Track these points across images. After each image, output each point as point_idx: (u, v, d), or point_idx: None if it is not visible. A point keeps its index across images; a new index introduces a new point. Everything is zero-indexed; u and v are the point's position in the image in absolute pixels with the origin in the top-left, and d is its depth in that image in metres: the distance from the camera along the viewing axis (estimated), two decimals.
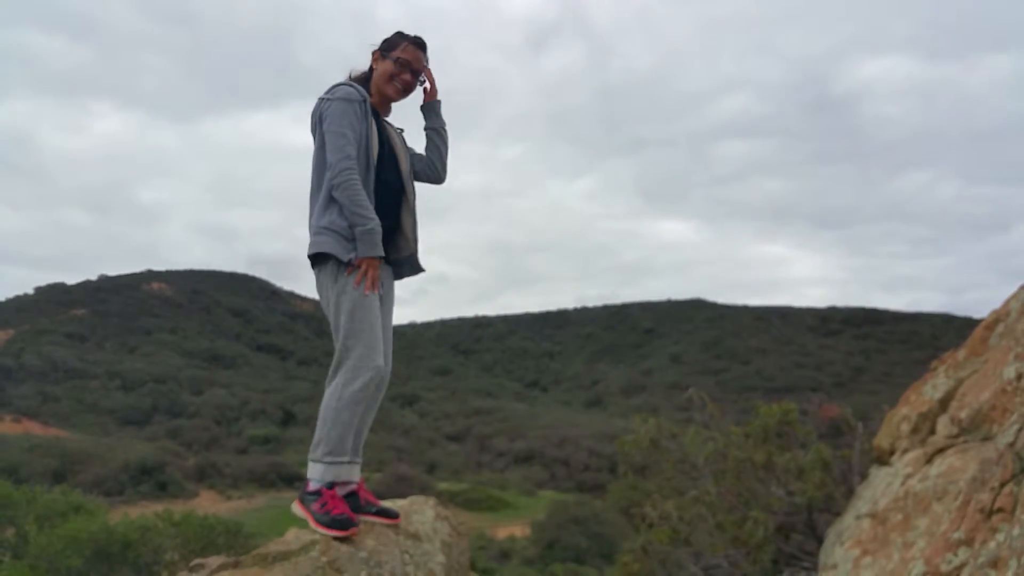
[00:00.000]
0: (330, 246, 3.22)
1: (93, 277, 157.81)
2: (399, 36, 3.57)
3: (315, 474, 3.25)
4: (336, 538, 3.14)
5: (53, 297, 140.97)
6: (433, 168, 3.72)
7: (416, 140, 3.79)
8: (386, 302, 3.47)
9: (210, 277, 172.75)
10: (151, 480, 60.25)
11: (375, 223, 3.23)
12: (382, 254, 3.31)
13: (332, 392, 3.21)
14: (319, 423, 3.23)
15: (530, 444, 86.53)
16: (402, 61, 3.51)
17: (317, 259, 3.31)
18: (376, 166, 3.38)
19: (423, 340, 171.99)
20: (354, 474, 3.39)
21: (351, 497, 3.36)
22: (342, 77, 3.54)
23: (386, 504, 3.70)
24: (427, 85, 3.67)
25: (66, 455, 58.90)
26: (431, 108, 3.73)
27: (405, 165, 3.55)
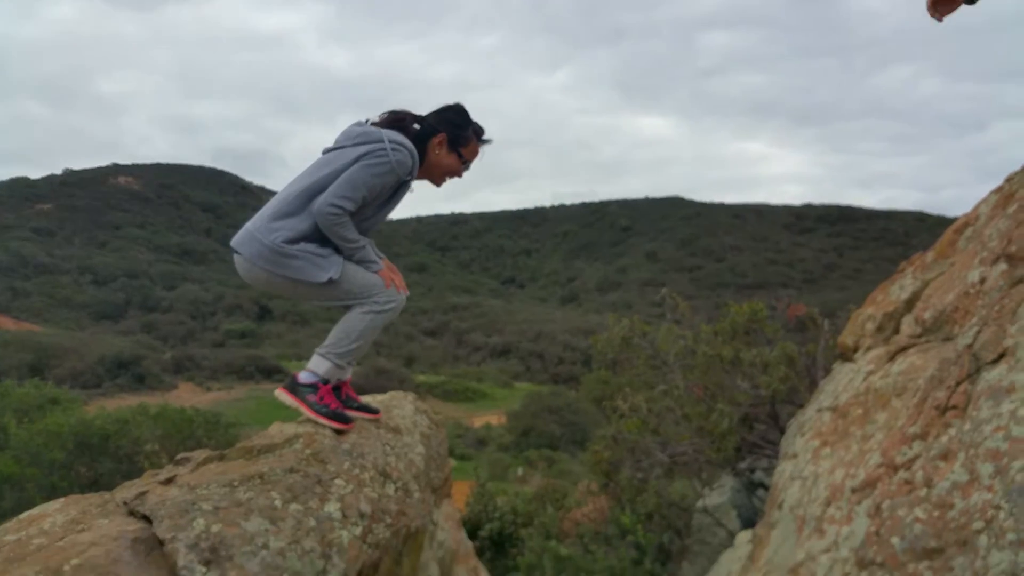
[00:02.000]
0: (306, 273, 3.14)
1: (58, 171, 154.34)
2: (468, 126, 3.39)
3: (320, 368, 3.30)
4: (335, 430, 3.27)
5: (17, 191, 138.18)
6: None
7: None
8: None
9: (178, 171, 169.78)
10: (128, 373, 60.56)
11: (363, 241, 3.22)
12: (381, 264, 3.32)
13: (364, 311, 3.24)
14: (342, 332, 3.25)
15: (506, 339, 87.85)
16: (468, 162, 3.42)
17: None
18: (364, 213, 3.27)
19: (399, 237, 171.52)
20: (346, 373, 3.49)
21: (335, 391, 3.45)
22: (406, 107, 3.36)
23: (367, 400, 3.80)
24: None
25: (41, 349, 58.79)
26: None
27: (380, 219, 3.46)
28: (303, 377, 3.31)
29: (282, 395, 3.35)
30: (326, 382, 3.32)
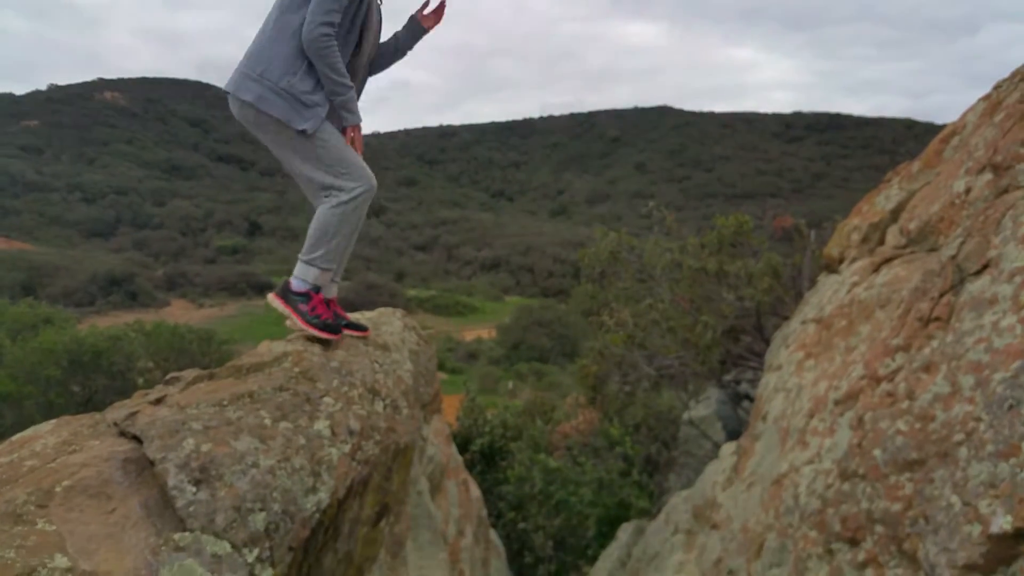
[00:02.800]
0: (268, 105, 3.07)
1: (42, 87, 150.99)
2: None
3: (308, 276, 3.27)
4: (323, 340, 3.26)
5: (2, 108, 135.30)
6: (374, 67, 3.52)
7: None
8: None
9: (163, 85, 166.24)
10: (121, 290, 60.69)
11: (352, 90, 3.15)
12: (361, 119, 3.23)
13: (334, 204, 3.19)
14: (317, 231, 3.21)
15: (496, 252, 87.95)
16: None
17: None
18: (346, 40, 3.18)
19: (387, 150, 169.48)
20: (332, 291, 3.47)
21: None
22: None
23: (355, 317, 3.79)
24: (436, 5, 3.42)
25: (33, 268, 58.71)
26: (419, 32, 3.51)
27: (369, 51, 3.36)
28: (295, 285, 3.28)
29: (274, 301, 3.32)
30: (317, 290, 3.30)
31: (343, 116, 3.20)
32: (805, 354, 4.42)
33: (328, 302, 3.47)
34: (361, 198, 3.21)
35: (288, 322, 3.32)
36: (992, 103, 4.14)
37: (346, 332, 3.49)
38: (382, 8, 3.40)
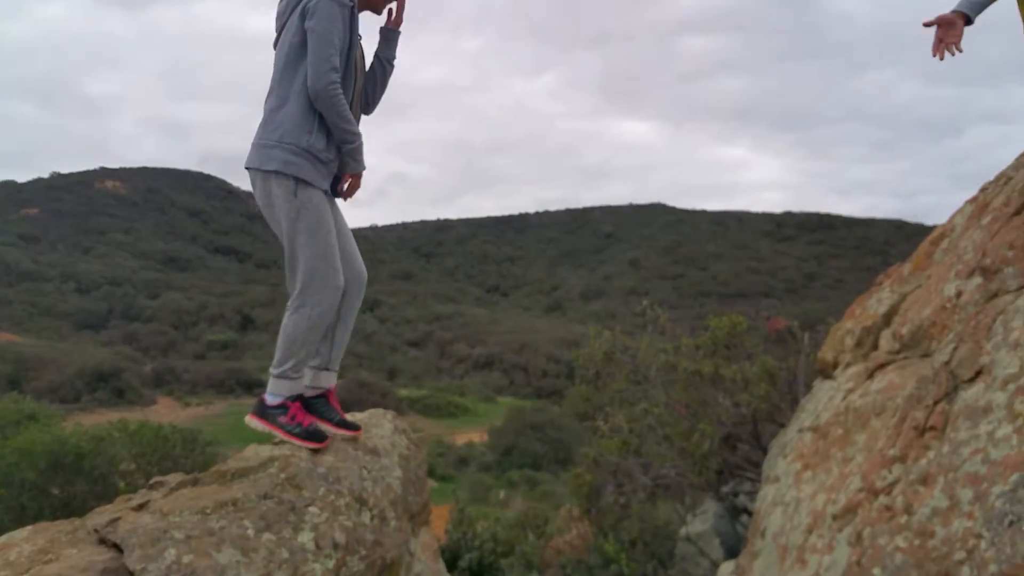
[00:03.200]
0: (296, 168, 3.10)
1: (44, 175, 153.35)
2: None
3: (281, 389, 3.25)
4: (312, 449, 3.21)
5: (4, 195, 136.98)
6: (365, 96, 3.50)
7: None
8: (337, 212, 3.44)
9: (165, 175, 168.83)
10: (107, 386, 60.00)
11: (360, 138, 3.19)
12: (365, 167, 3.27)
13: (301, 314, 3.18)
14: (285, 343, 3.21)
15: (490, 350, 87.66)
16: None
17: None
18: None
19: (384, 243, 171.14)
20: (331, 380, 3.44)
21: (320, 399, 3.40)
22: None
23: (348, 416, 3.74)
24: (394, 5, 3.43)
25: (20, 360, 58.24)
26: (392, 36, 3.50)
27: (360, 83, 3.39)
28: (270, 399, 3.26)
29: (253, 421, 3.29)
30: (295, 399, 3.27)
31: (348, 163, 3.23)
32: (803, 465, 4.35)
33: (326, 395, 3.43)
34: (332, 307, 3.21)
35: (276, 439, 3.28)
36: (979, 205, 4.21)
37: (338, 430, 3.42)
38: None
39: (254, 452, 3.26)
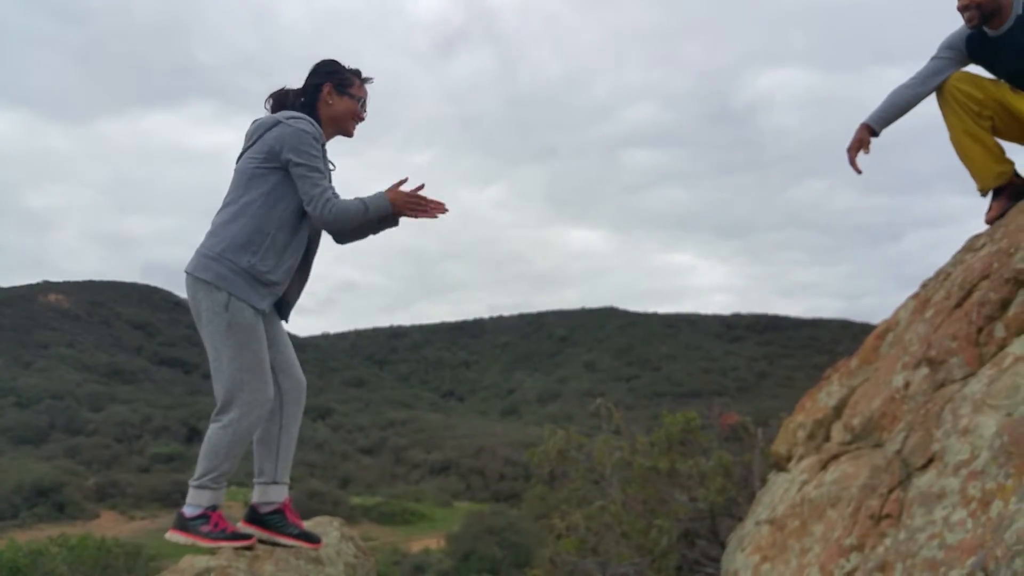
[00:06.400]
0: (230, 284, 3.11)
1: None
2: (347, 71, 3.38)
3: (202, 500, 3.18)
4: (240, 548, 3.16)
5: None
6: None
7: None
8: (277, 325, 3.40)
9: (109, 288, 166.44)
10: (48, 502, 57.58)
11: (364, 203, 3.16)
12: (389, 205, 3.20)
13: (226, 426, 3.13)
14: (208, 455, 3.15)
15: (446, 455, 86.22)
16: (362, 100, 3.41)
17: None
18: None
19: (336, 351, 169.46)
20: (282, 494, 3.36)
21: (276, 515, 3.32)
22: (264, 86, 3.48)
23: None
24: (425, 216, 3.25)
25: None
26: (388, 223, 3.38)
27: None
28: (189, 511, 3.18)
29: (174, 536, 3.20)
30: (214, 508, 3.20)
31: (376, 207, 3.18)
32: (761, 557, 4.28)
33: (282, 507, 3.34)
34: (259, 420, 3.17)
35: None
36: (921, 300, 4.32)
37: (298, 543, 3.34)
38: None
39: (189, 563, 3.13)
